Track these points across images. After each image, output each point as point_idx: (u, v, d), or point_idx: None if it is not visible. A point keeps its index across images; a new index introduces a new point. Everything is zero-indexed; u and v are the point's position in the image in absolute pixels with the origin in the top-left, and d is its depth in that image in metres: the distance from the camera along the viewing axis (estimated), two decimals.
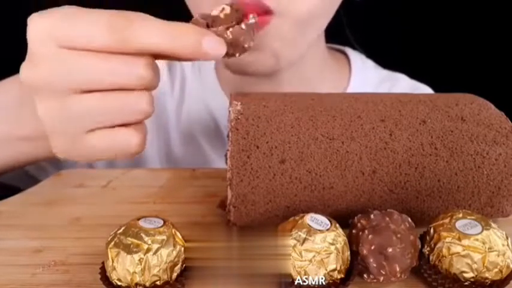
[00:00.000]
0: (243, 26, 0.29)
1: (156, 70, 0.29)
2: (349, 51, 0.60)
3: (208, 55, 0.27)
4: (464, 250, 0.27)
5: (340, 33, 0.57)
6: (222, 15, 0.29)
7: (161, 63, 0.57)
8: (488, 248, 0.27)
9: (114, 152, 0.29)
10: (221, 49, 0.28)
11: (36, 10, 0.28)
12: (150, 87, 0.29)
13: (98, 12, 0.27)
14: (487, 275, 0.27)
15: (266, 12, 0.39)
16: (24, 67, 0.29)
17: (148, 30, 0.26)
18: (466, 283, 0.27)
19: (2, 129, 0.35)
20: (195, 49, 0.27)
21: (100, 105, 0.27)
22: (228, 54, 0.30)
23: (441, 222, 0.29)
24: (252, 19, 0.30)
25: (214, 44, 0.27)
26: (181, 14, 0.46)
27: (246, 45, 0.29)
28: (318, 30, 0.47)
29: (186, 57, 0.27)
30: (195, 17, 0.29)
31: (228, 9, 0.29)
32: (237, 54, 0.30)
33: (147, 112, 0.29)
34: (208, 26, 0.28)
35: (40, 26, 0.27)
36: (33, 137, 0.33)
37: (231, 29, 0.28)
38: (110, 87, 0.27)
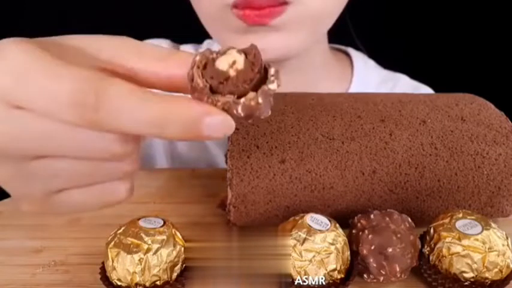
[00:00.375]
0: (259, 99, 0.20)
1: (136, 139, 0.22)
2: (351, 51, 0.60)
3: (210, 138, 0.20)
4: (464, 250, 0.27)
5: (343, 33, 0.57)
6: (232, 72, 0.20)
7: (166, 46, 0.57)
8: (488, 248, 0.27)
9: (93, 206, 0.24)
10: (228, 130, 0.20)
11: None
12: (130, 155, 0.22)
13: (59, 78, 0.19)
14: (487, 275, 0.27)
15: (282, 2, 0.40)
16: None
17: (125, 111, 0.19)
18: (466, 283, 0.27)
19: None
20: (191, 134, 0.19)
21: (67, 170, 0.22)
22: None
23: (441, 222, 0.29)
24: (273, 82, 0.20)
25: (218, 126, 0.20)
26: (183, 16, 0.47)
27: (262, 117, 0.21)
28: (325, 28, 0.48)
29: (179, 140, 0.22)
30: (194, 61, 0.20)
31: (241, 62, 0.20)
32: (250, 121, 0.22)
33: (130, 172, 0.23)
34: (211, 89, 0.20)
35: None
36: None
37: (243, 100, 0.20)
38: (77, 157, 0.21)
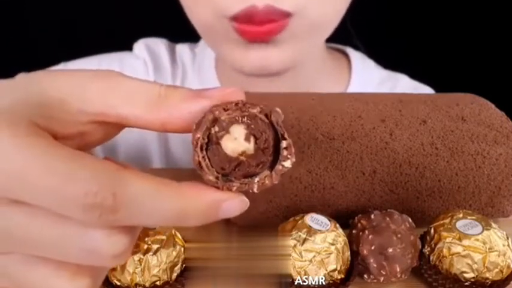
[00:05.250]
0: (274, 180, 0.20)
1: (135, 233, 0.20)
2: (350, 51, 0.60)
3: (225, 217, 0.20)
4: (464, 250, 0.27)
5: (342, 32, 0.57)
6: (243, 159, 0.19)
7: (163, 50, 0.57)
8: (489, 248, 0.27)
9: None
10: (243, 208, 0.20)
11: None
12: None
13: (69, 178, 0.17)
14: (487, 275, 0.27)
15: (285, 15, 0.39)
16: None
17: (144, 210, 0.18)
18: (467, 283, 0.27)
19: None
20: (208, 220, 0.20)
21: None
22: None
23: (441, 222, 0.29)
24: (287, 159, 0.19)
25: (234, 209, 0.20)
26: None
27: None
28: (325, 36, 0.47)
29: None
30: (196, 141, 0.19)
31: (251, 149, 0.19)
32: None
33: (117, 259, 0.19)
34: (224, 171, 0.19)
35: None
36: None
37: (257, 180, 0.19)
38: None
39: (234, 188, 0.19)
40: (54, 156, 0.17)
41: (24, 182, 0.17)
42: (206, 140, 0.19)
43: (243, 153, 0.19)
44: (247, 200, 0.20)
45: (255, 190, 0.20)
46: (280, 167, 0.19)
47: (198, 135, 0.19)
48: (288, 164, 0.20)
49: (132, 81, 0.20)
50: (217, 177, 0.19)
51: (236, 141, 0.19)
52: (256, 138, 0.19)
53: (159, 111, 0.20)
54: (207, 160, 0.19)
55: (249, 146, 0.19)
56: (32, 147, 0.17)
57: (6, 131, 0.17)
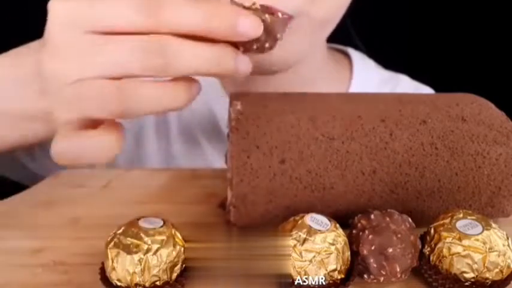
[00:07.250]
0: (279, 13, 0.27)
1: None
2: (351, 51, 0.60)
3: (244, 36, 0.26)
4: (464, 250, 0.27)
5: (343, 33, 0.57)
6: (253, 7, 0.27)
7: None
8: (489, 248, 0.27)
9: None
10: (257, 30, 0.26)
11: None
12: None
13: None
14: (487, 275, 0.27)
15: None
16: (47, 61, 0.27)
17: (181, 9, 0.25)
18: (467, 283, 0.27)
19: (8, 106, 0.32)
20: (230, 29, 0.25)
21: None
22: (259, 41, 0.28)
23: (441, 222, 0.29)
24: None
25: (250, 24, 0.26)
26: None
27: (278, 36, 0.28)
28: (325, 35, 0.47)
29: (220, 38, 0.26)
30: None
31: (257, 5, 0.27)
32: (267, 44, 0.28)
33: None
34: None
35: (62, 12, 0.26)
36: (38, 118, 0.31)
37: (267, 15, 0.27)
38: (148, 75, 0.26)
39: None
40: None
41: (92, 6, 0.25)
42: None
43: (253, 4, 0.27)
44: (262, 25, 0.26)
45: (267, 17, 0.27)
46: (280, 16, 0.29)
47: None
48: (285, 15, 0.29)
49: None
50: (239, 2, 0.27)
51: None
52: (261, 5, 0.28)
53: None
54: None
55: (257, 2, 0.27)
56: None
57: None
